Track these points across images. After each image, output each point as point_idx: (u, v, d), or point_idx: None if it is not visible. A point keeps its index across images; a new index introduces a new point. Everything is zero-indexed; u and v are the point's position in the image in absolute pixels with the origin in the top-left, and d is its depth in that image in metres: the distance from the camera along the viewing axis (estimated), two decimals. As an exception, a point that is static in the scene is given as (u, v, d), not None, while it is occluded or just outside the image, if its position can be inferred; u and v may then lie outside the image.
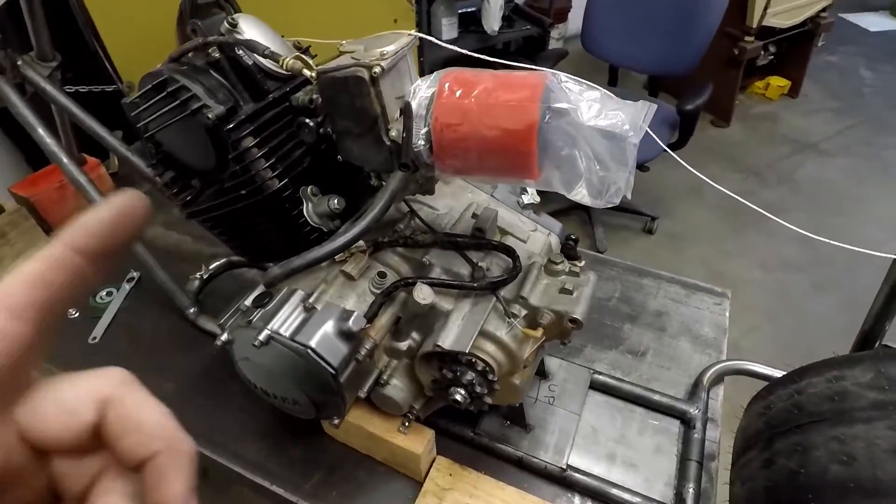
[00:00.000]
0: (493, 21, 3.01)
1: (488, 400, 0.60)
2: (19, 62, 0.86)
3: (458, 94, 0.47)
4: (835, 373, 0.62)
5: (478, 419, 0.79)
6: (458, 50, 0.54)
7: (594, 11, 2.22)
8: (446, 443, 0.78)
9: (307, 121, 0.52)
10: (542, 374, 0.84)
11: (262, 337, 0.57)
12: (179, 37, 0.69)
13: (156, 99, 0.54)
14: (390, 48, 0.48)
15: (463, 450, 0.77)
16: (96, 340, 0.99)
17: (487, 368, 0.59)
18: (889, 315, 0.71)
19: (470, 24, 3.20)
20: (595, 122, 0.44)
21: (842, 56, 3.94)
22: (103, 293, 1.08)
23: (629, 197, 0.50)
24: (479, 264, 0.61)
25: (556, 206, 2.56)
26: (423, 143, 0.48)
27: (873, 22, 4.36)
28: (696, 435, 0.78)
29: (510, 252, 0.61)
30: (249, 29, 0.55)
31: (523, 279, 0.61)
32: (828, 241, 0.59)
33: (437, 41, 0.51)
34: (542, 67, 1.83)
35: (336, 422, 0.67)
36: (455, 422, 0.78)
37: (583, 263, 0.64)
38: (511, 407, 0.75)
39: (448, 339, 0.57)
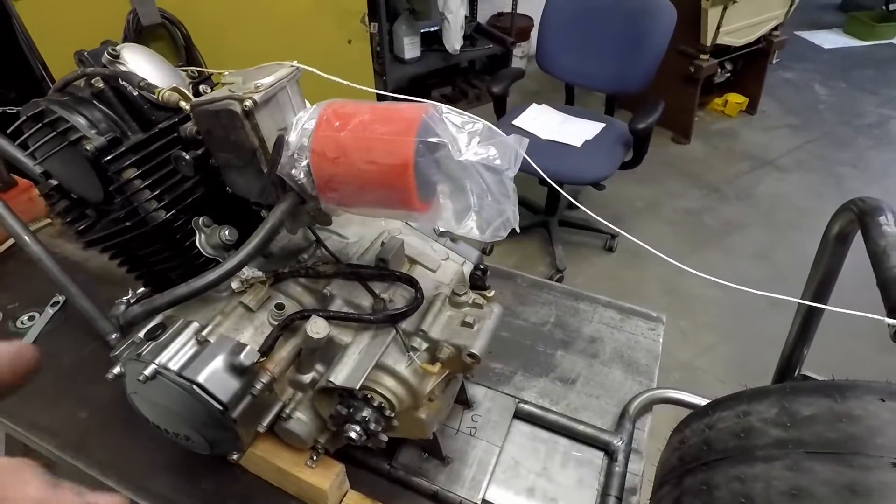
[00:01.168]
0: (454, 40, 3.04)
1: (384, 437, 0.58)
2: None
3: (336, 125, 0.46)
4: (744, 407, 0.62)
5: (395, 451, 0.76)
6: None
7: (547, 32, 2.25)
8: (362, 475, 0.75)
9: (183, 154, 0.50)
10: (464, 403, 0.82)
11: (147, 372, 0.54)
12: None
13: (34, 129, 0.51)
14: (267, 80, 0.46)
15: (378, 483, 0.75)
16: (11, 370, 0.94)
17: (384, 404, 0.57)
18: (805, 342, 0.71)
19: (433, 42, 3.23)
20: (468, 157, 0.43)
21: (797, 72, 4.08)
22: (25, 318, 1.04)
23: (517, 230, 0.49)
24: (382, 296, 0.60)
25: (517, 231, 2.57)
26: (303, 175, 0.47)
27: (827, 39, 4.52)
28: (617, 468, 0.76)
29: (412, 283, 0.60)
30: (134, 59, 0.53)
31: (426, 311, 0.59)
32: (740, 287, 0.59)
33: (317, 72, 0.50)
34: (495, 88, 1.82)
35: (235, 457, 0.64)
36: (371, 454, 0.76)
37: (492, 294, 0.63)
38: (427, 439, 0.73)
39: (341, 374, 0.55)
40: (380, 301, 0.59)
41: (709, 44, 2.87)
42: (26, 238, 0.88)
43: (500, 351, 0.94)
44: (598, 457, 0.79)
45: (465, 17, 3.08)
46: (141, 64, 0.53)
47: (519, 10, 3.41)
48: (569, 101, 2.46)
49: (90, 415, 0.86)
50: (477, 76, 3.66)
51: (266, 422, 0.61)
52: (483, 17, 3.64)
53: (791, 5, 3.08)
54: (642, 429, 0.83)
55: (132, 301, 0.98)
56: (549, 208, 2.54)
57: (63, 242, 1.21)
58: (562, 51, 2.26)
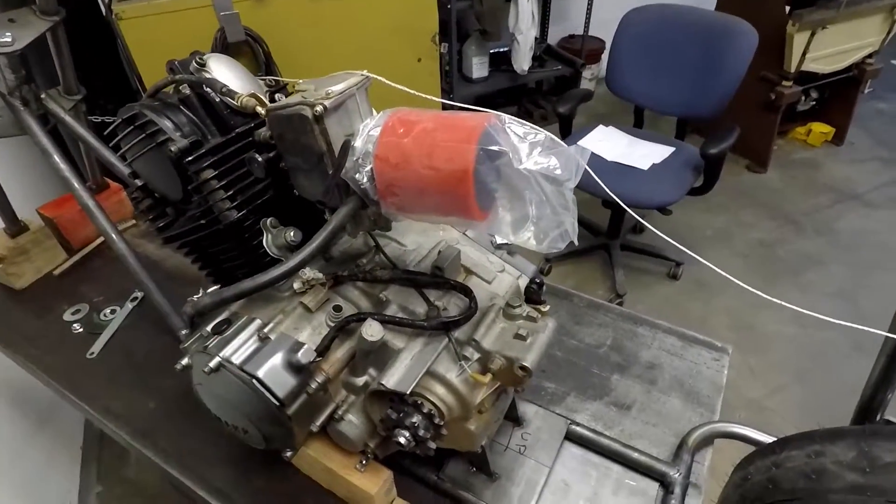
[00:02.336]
0: (522, 61, 3.06)
1: (432, 445, 0.58)
2: (42, 96, 0.93)
3: (400, 132, 0.47)
4: (816, 447, 0.57)
5: (443, 462, 0.76)
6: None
7: (618, 54, 2.22)
8: (409, 484, 0.75)
9: (256, 156, 0.53)
10: (515, 420, 0.81)
11: (212, 364, 0.57)
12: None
13: (127, 131, 0.56)
14: (337, 87, 0.49)
15: (426, 493, 0.75)
16: (94, 356, 1.03)
17: (434, 411, 0.57)
18: (889, 384, 0.65)
19: (501, 63, 3.27)
20: (528, 166, 0.43)
21: (892, 103, 3.78)
22: (107, 311, 1.13)
23: (576, 242, 0.48)
24: (436, 303, 0.60)
25: (574, 246, 2.52)
26: (366, 180, 0.49)
27: (928, 70, 4.18)
28: (673, 501, 0.72)
29: (467, 292, 0.60)
30: (219, 68, 0.57)
31: (479, 321, 0.59)
32: (820, 316, 0.54)
33: (387, 82, 0.52)
34: (561, 109, 1.81)
35: (288, 454, 0.66)
36: (420, 464, 0.76)
37: (546, 308, 0.62)
38: (475, 453, 0.72)
39: (393, 378, 0.56)
40: (434, 308, 0.59)
41: (793, 70, 2.72)
42: (114, 236, 0.96)
43: (554, 370, 0.92)
44: (653, 487, 0.75)
45: (536, 38, 3.11)
46: (224, 72, 0.57)
47: (591, 33, 3.39)
48: (637, 124, 2.41)
49: (158, 405, 0.92)
50: (544, 97, 3.66)
51: (319, 421, 0.63)
52: (554, 38, 3.65)
53: (889, 33, 2.88)
54: (701, 462, 0.78)
55: (203, 298, 1.05)
56: (611, 231, 2.48)
57: (145, 243, 1.31)
58: (633, 72, 2.22)
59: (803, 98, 3.06)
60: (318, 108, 0.47)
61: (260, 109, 0.53)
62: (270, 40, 1.89)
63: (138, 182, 0.66)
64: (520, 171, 0.45)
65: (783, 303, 0.53)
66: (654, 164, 2.08)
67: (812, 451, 0.57)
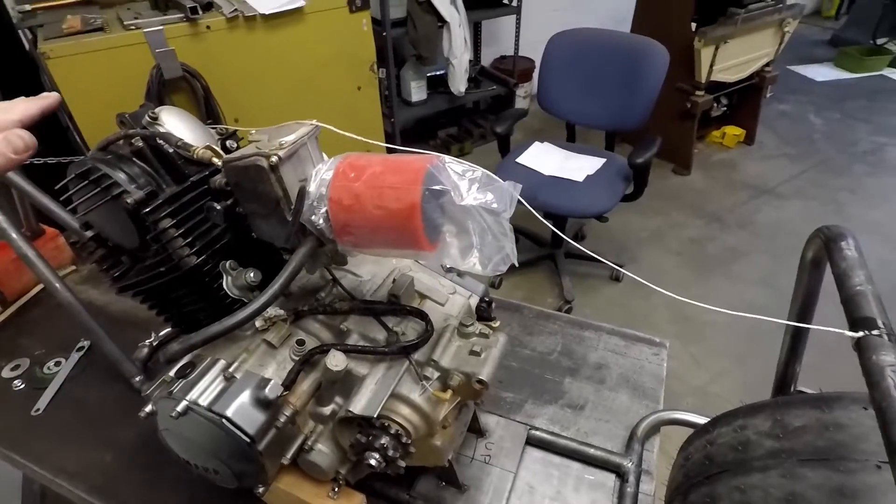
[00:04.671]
0: (459, 83, 3.17)
1: (402, 464, 0.62)
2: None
3: (351, 176, 0.51)
4: (740, 421, 0.65)
5: (413, 481, 0.79)
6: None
7: (547, 74, 2.36)
8: (382, 506, 0.78)
9: (214, 204, 0.56)
10: (478, 431, 0.85)
11: (179, 408, 0.58)
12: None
13: (80, 186, 0.58)
14: (290, 137, 0.53)
15: (398, 513, 0.77)
16: (39, 412, 0.98)
17: (401, 431, 0.60)
18: (796, 359, 0.74)
19: (439, 85, 3.37)
20: (468, 201, 0.48)
21: (792, 105, 4.18)
22: (51, 363, 1.08)
23: (516, 265, 0.54)
24: (395, 329, 0.64)
25: (522, 257, 2.62)
26: (322, 221, 0.52)
27: (819, 73, 4.65)
28: (629, 489, 0.79)
29: (423, 316, 0.64)
30: (171, 120, 0.60)
31: (436, 342, 0.63)
32: (700, 304, 0.62)
33: (335, 129, 0.56)
34: (498, 129, 1.90)
35: (260, 490, 0.67)
36: (391, 484, 0.78)
37: (497, 324, 0.67)
38: (443, 467, 0.75)
39: (359, 404, 0.59)
40: (393, 334, 0.63)
41: (703, 81, 2.98)
42: (56, 284, 0.93)
43: (510, 380, 0.97)
44: (610, 479, 0.81)
45: (470, 60, 3.23)
46: (176, 124, 0.60)
47: (521, 53, 3.57)
48: (570, 139, 2.55)
49: (115, 457, 0.89)
50: (482, 116, 3.79)
51: (290, 454, 0.65)
52: (487, 60, 3.81)
53: (781, 43, 3.20)
54: (651, 450, 0.85)
55: (155, 343, 1.04)
56: (554, 241, 2.60)
57: (88, 289, 1.27)
58: (561, 91, 2.36)
59: (715, 105, 3.34)
60: (274, 159, 0.50)
61: (216, 160, 0.56)
62: (208, 75, 1.89)
63: (89, 234, 0.66)
64: (462, 205, 0.50)
65: (690, 300, 0.60)
66: (588, 176, 2.21)
67: (737, 425, 0.64)
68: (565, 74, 2.33)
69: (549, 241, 2.62)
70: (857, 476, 0.48)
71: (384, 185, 0.49)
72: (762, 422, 0.62)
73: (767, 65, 3.28)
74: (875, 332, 0.44)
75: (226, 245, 0.61)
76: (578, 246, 0.61)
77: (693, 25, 2.85)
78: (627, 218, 2.91)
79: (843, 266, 0.49)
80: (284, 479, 0.72)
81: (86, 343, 1.11)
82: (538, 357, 1.02)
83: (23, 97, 0.54)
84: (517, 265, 0.53)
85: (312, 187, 0.52)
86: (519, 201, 0.51)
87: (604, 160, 2.30)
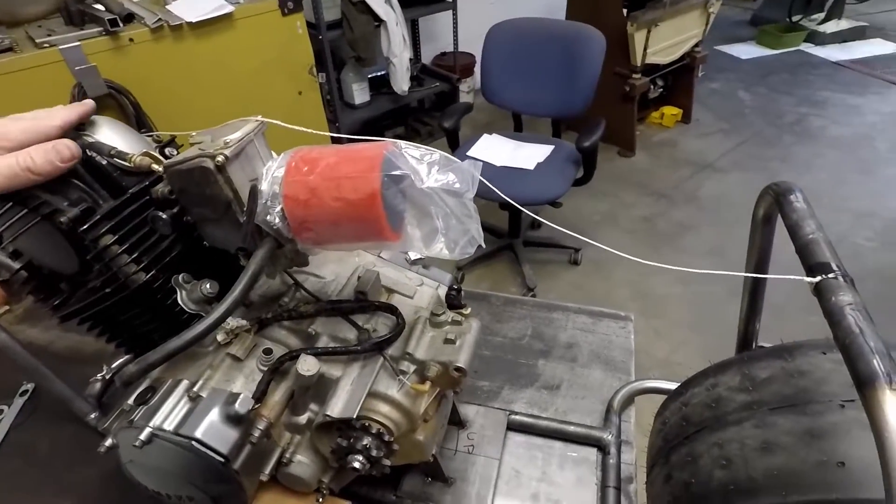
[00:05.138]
0: (401, 82, 3.16)
1: (387, 462, 0.60)
2: None
3: (304, 170, 0.49)
4: (711, 380, 0.67)
5: (399, 480, 0.77)
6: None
7: (488, 66, 2.38)
8: (370, 509, 0.76)
9: (160, 213, 0.52)
10: (458, 423, 0.84)
11: (143, 436, 0.55)
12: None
13: (3, 210, 0.53)
14: (235, 135, 0.50)
15: (386, 515, 0.76)
16: (-15, 466, 0.91)
17: (382, 430, 0.59)
18: (755, 315, 0.77)
19: (381, 86, 3.34)
20: (429, 184, 0.47)
21: (722, 82, 4.40)
22: (-8, 413, 1.00)
23: (483, 245, 0.53)
24: (365, 326, 0.62)
25: (482, 250, 2.63)
26: (278, 220, 0.50)
27: (743, 51, 4.91)
28: (611, 461, 0.80)
29: (393, 310, 0.62)
30: (101, 130, 0.56)
31: (409, 335, 0.62)
32: (661, 265, 0.64)
33: (281, 123, 0.54)
34: (446, 124, 1.90)
35: (240, 511, 0.64)
36: (376, 487, 0.77)
37: (468, 311, 0.67)
38: (428, 463, 0.74)
39: (337, 407, 0.57)
40: (364, 332, 0.61)
41: (639, 64, 3.08)
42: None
43: (485, 368, 0.96)
44: (592, 453, 0.82)
45: (410, 59, 3.22)
46: (108, 134, 0.56)
47: (460, 49, 3.59)
48: (517, 129, 2.58)
49: (77, 501, 0.83)
50: (427, 114, 3.79)
51: (268, 469, 0.62)
52: (427, 57, 3.81)
53: (707, 24, 3.36)
54: (628, 421, 0.87)
55: (108, 376, 0.97)
56: (511, 231, 2.62)
57: (25, 328, 1.18)
58: (504, 83, 2.39)
59: (652, 87, 3.46)
60: (220, 158, 0.47)
61: (156, 167, 0.52)
62: (137, 90, 1.80)
63: (16, 265, 0.61)
64: (422, 189, 0.49)
65: (664, 265, 0.61)
66: (538, 164, 2.24)
67: (708, 384, 0.66)
68: (507, 65, 2.35)
69: (507, 232, 2.65)
70: (825, 417, 0.50)
71: (340, 176, 0.48)
72: (731, 378, 0.64)
73: (696, 45, 3.43)
74: (831, 275, 0.45)
75: (176, 257, 0.58)
76: (545, 221, 0.61)
77: (624, 11, 2.94)
78: (580, 202, 2.98)
79: (795, 217, 0.51)
80: (265, 497, 0.69)
81: (29, 386, 1.03)
82: (510, 343, 1.02)
83: (61, 105, 0.55)
84: (483, 246, 0.52)
85: (265, 186, 0.50)
86: (481, 184, 0.50)
87: (552, 147, 2.34)
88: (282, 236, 0.52)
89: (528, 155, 2.30)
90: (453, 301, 0.66)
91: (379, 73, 3.34)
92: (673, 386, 0.88)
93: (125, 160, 0.52)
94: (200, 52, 1.93)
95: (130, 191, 0.56)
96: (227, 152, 0.48)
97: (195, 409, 0.57)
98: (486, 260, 2.67)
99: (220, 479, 0.58)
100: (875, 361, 0.38)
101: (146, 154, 0.52)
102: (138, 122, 1.79)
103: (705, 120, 3.88)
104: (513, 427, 0.85)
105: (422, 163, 0.50)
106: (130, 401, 0.60)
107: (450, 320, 0.63)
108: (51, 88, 1.64)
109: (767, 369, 0.61)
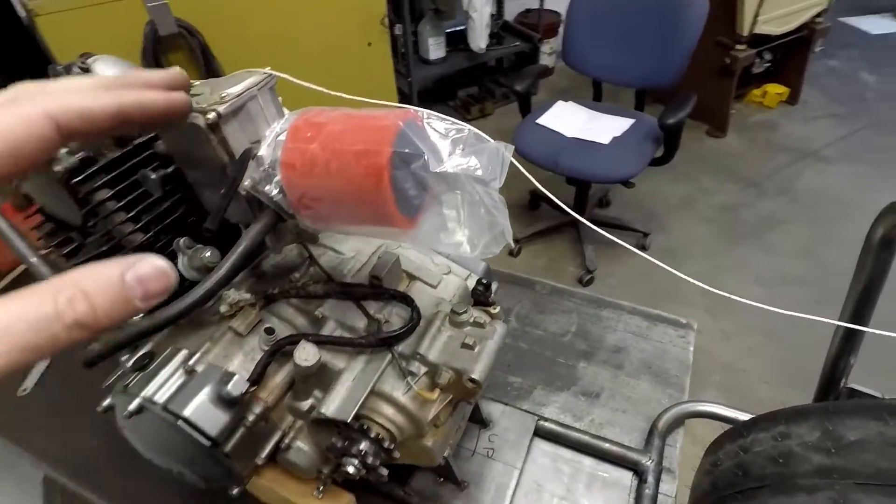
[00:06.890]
0: (479, 39, 2.99)
1: (384, 472, 0.54)
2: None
3: (307, 136, 0.42)
4: (782, 428, 0.55)
5: (409, 476, 0.72)
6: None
7: (573, 28, 2.17)
8: (375, 501, 0.71)
9: (150, 173, 0.47)
10: (480, 422, 0.77)
11: (132, 407, 0.52)
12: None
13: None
14: (235, 89, 0.43)
15: (391, 510, 0.71)
16: (27, 392, 0.95)
17: (383, 435, 0.53)
18: (850, 352, 0.63)
19: (458, 42, 3.19)
20: (447, 168, 0.38)
21: (842, 60, 3.84)
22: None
23: (512, 244, 0.44)
24: (377, 316, 0.55)
25: (542, 225, 2.49)
26: (277, 191, 0.43)
27: (875, 24, 4.25)
28: (647, 490, 0.70)
29: (408, 301, 0.55)
30: (108, 70, 0.51)
31: (424, 332, 0.55)
32: (729, 295, 0.52)
33: (289, 78, 0.46)
34: (518, 86, 1.77)
35: (235, 491, 0.61)
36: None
37: (496, 311, 0.58)
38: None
39: (332, 405, 0.52)
40: (374, 322, 0.55)
41: (746, 33, 2.72)
42: (32, 259, 0.87)
43: (519, 363, 0.88)
44: (627, 477, 0.73)
45: (491, 15, 3.04)
46: (112, 74, 0.51)
47: (546, 6, 3.33)
48: (597, 98, 2.38)
49: (101, 442, 0.84)
50: (504, 75, 3.59)
51: (265, 453, 0.58)
52: (510, 14, 3.58)
53: (836, -10, 2.90)
54: (674, 445, 0.76)
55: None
56: (577, 207, 2.46)
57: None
58: (588, 46, 2.18)
59: (757, 60, 3.07)
60: (212, 115, 0.41)
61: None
62: (207, 31, 1.78)
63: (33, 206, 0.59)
64: (444, 173, 0.40)
65: (730, 295, 0.50)
66: (614, 138, 2.06)
67: (778, 432, 0.55)
68: (593, 27, 2.14)
69: (572, 207, 2.49)
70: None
71: (344, 147, 0.40)
72: (809, 431, 0.52)
73: (819, 15, 2.98)
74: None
75: (178, 220, 0.53)
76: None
77: (736, -31, 2.59)
78: (655, 183, 2.74)
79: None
80: (268, 475, 0.66)
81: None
82: (550, 338, 0.93)
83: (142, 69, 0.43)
84: (512, 245, 0.43)
85: (265, 150, 0.43)
86: (513, 163, 0.40)
87: (632, 121, 2.14)
88: (282, 210, 0.45)
89: (603, 127, 2.12)
90: (480, 297, 0.58)
91: (457, 29, 3.18)
92: (735, 414, 0.76)
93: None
94: (273, -8, 1.89)
95: (135, 142, 0.51)
96: (221, 108, 0.41)
97: (188, 384, 0.53)
98: (547, 235, 2.54)
99: (210, 459, 0.55)
100: None
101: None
102: (206, 64, 1.78)
103: (815, 102, 3.43)
104: (540, 434, 0.77)
105: (446, 139, 0.41)
106: (129, 364, 0.57)
107: (471, 321, 0.55)
108: (126, 24, 1.66)
109: (859, 430, 0.49)
